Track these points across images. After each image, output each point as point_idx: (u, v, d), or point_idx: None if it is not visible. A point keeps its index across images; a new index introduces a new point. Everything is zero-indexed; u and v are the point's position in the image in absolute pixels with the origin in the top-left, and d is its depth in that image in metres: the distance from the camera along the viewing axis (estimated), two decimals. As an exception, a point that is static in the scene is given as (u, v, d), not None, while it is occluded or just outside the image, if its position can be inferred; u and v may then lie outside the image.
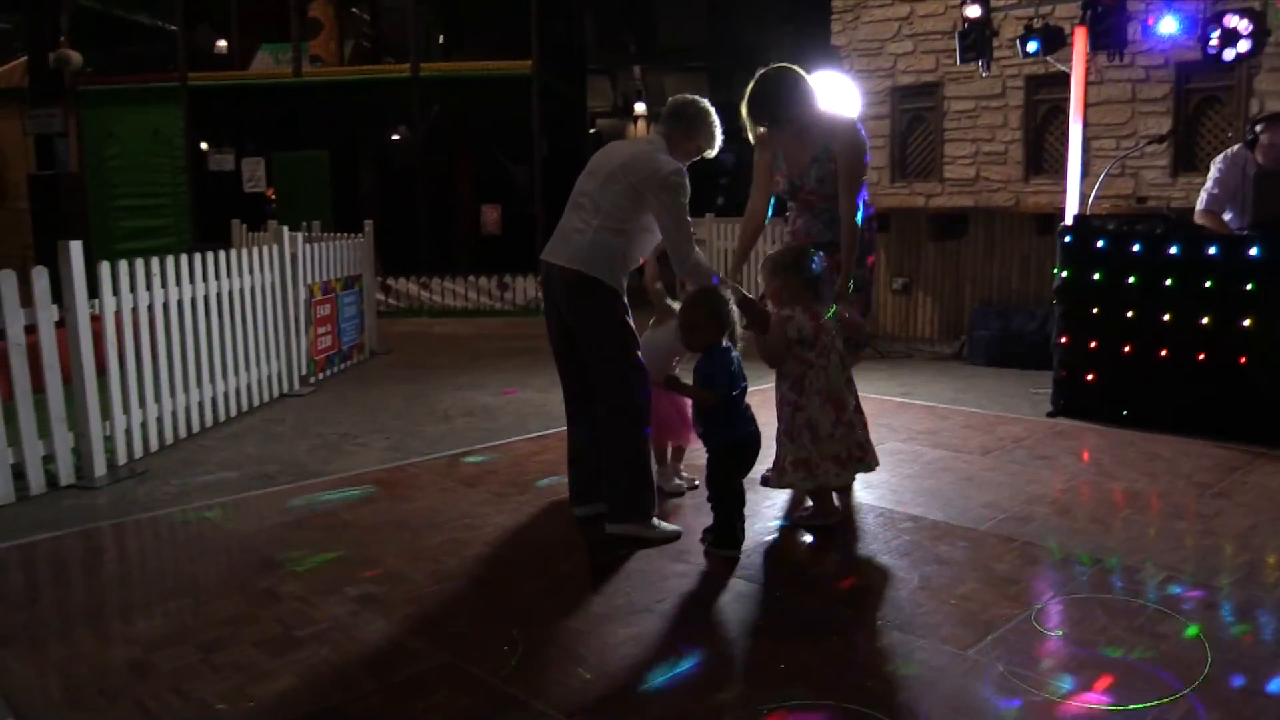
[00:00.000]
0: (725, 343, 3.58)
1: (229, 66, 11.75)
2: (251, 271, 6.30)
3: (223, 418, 5.93)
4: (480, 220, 11.12)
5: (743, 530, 3.60)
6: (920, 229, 7.79)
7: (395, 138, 11.41)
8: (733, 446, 3.56)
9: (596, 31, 16.56)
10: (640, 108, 17.21)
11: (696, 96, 3.91)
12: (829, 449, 3.75)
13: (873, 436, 4.30)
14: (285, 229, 6.84)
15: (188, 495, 4.50)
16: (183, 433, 5.54)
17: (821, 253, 4.08)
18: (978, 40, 5.99)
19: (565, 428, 4.02)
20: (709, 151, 3.91)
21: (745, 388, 3.59)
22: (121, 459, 4.99)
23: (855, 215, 4.28)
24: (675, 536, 3.75)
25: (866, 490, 4.30)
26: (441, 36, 12.93)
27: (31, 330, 4.58)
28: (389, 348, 8.77)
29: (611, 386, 3.71)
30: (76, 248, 4.71)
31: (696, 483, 4.25)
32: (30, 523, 4.12)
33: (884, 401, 6.13)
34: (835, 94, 7.20)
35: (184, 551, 3.91)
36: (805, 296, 3.80)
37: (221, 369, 5.94)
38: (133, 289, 5.12)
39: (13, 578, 3.57)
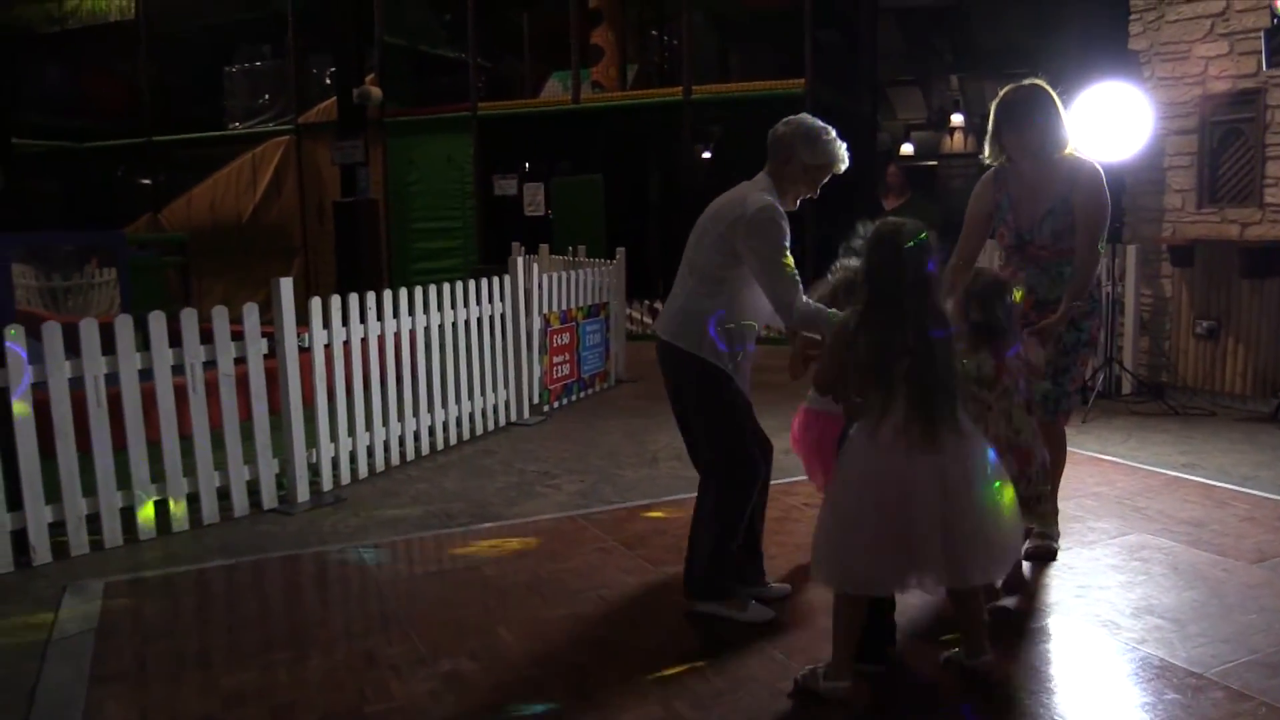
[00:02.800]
0: None
1: (520, 94, 12.23)
2: (480, 302, 6.36)
3: (440, 446, 6.03)
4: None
5: (888, 640, 3.03)
6: (1233, 263, 6.54)
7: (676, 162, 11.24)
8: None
9: (904, 41, 15.76)
10: (958, 118, 16.24)
11: (794, 116, 3.41)
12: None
13: (1117, 523, 3.98)
14: (519, 259, 6.87)
15: (364, 530, 4.54)
16: (395, 460, 5.67)
17: (1017, 294, 3.54)
18: (1290, 39, 4.88)
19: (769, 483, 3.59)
20: (835, 166, 3.34)
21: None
22: (328, 485, 5.16)
23: (1094, 267, 3.77)
24: (765, 620, 3.33)
25: (1075, 597, 3.53)
26: (728, 57, 12.78)
27: (270, 356, 4.89)
28: (638, 376, 8.66)
29: (708, 461, 3.37)
30: (287, 284, 4.90)
31: None
32: (211, 547, 4.31)
33: (1152, 475, 5.14)
34: (1125, 107, 6.24)
35: (322, 595, 3.90)
36: (995, 340, 3.34)
37: (442, 398, 6.03)
38: (345, 322, 5.28)
39: (164, 606, 3.71)
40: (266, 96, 13.01)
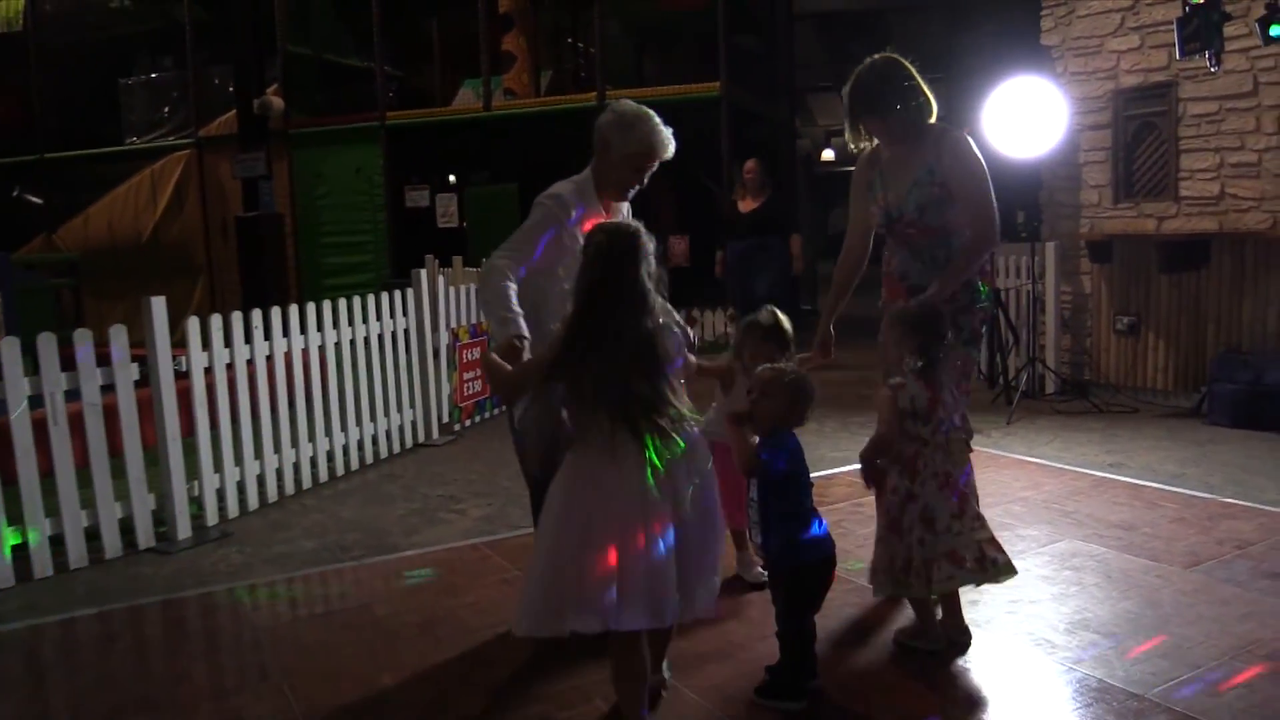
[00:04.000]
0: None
1: (433, 104, 11.87)
2: (381, 318, 6.02)
3: (341, 471, 5.67)
4: (667, 252, 10.59)
5: (809, 676, 2.78)
6: (1150, 258, 6.48)
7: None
8: (799, 570, 2.73)
9: (823, 48, 15.74)
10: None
11: (615, 103, 3.32)
12: (945, 545, 2.97)
13: (1046, 529, 3.83)
14: (423, 271, 6.54)
15: (249, 569, 4.17)
16: (290, 489, 5.29)
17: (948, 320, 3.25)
18: (1202, 27, 4.78)
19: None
20: (655, 152, 3.18)
21: (809, 485, 2.77)
22: (212, 519, 4.77)
23: (979, 247, 3.39)
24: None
25: (1007, 613, 3.33)
26: (643, 62, 12.57)
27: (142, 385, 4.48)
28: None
29: None
30: (159, 304, 4.51)
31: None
32: (77, 594, 3.91)
33: (1080, 476, 4.99)
34: (1040, 102, 6.14)
35: (191, 646, 3.52)
36: (921, 368, 3.04)
37: (341, 421, 5.68)
38: (227, 343, 4.90)
39: (7, 665, 3.32)
40: (166, 110, 12.47)
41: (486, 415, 7.19)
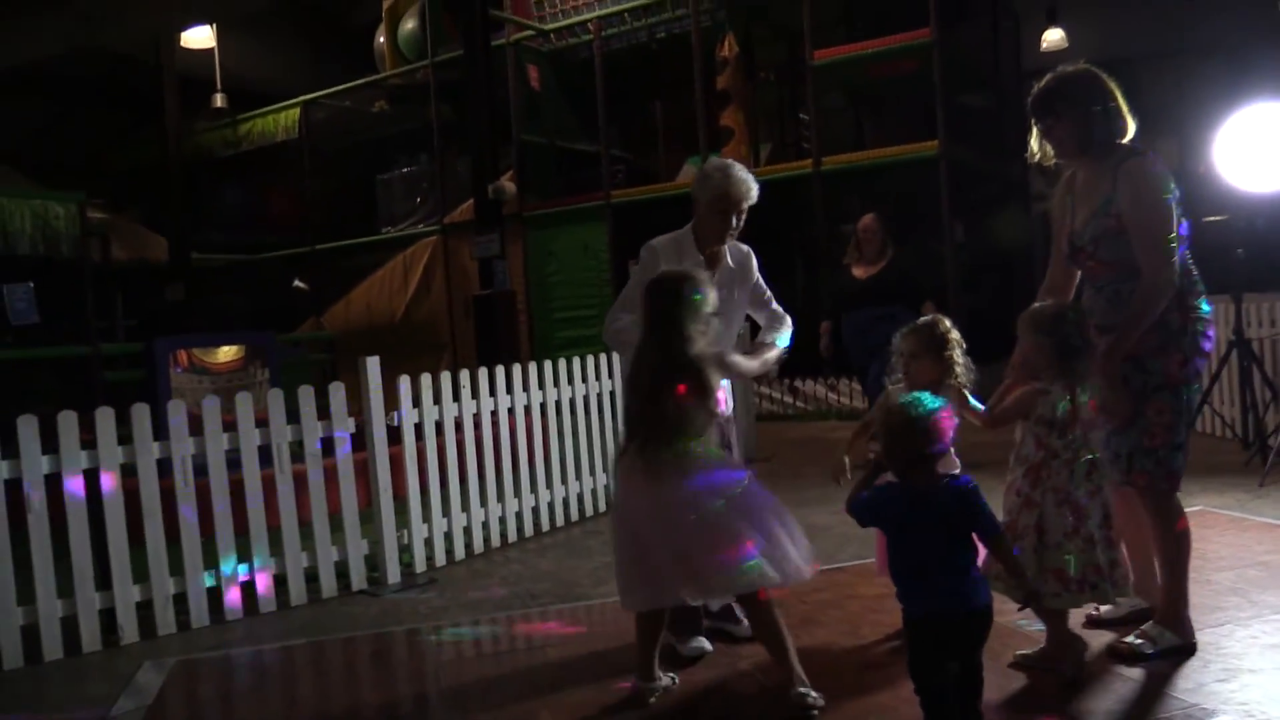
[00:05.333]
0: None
1: (658, 182, 12.29)
2: (587, 380, 6.24)
3: (546, 526, 5.87)
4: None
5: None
6: None
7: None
8: (923, 621, 2.56)
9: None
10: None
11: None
12: (1054, 559, 2.96)
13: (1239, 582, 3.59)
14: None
15: (445, 611, 4.39)
16: (495, 541, 5.53)
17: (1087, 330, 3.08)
18: None
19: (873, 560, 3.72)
20: (732, 197, 3.48)
21: (955, 541, 2.58)
22: (421, 566, 5.06)
23: (1159, 289, 3.10)
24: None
25: (1218, 680, 2.96)
26: (863, 127, 12.52)
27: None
28: (769, 454, 8.30)
29: None
30: (374, 364, 4.91)
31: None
32: (292, 628, 4.25)
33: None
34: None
35: (377, 676, 3.73)
36: (1060, 368, 3.01)
37: (546, 479, 5.90)
38: (436, 401, 5.23)
39: (221, 685, 3.65)
40: (417, 200, 13.60)
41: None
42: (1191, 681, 2.98)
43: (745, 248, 3.72)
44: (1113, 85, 3.26)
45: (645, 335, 3.02)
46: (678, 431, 2.90)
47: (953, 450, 3.36)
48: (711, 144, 11.37)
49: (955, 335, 3.42)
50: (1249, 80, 7.49)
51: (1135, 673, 3.07)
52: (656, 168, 12.82)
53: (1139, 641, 3.20)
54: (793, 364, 10.44)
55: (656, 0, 11.62)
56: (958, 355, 3.38)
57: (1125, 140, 3.27)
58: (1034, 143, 3.39)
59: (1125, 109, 3.26)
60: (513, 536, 5.64)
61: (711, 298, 3.03)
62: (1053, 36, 14.24)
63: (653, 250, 3.59)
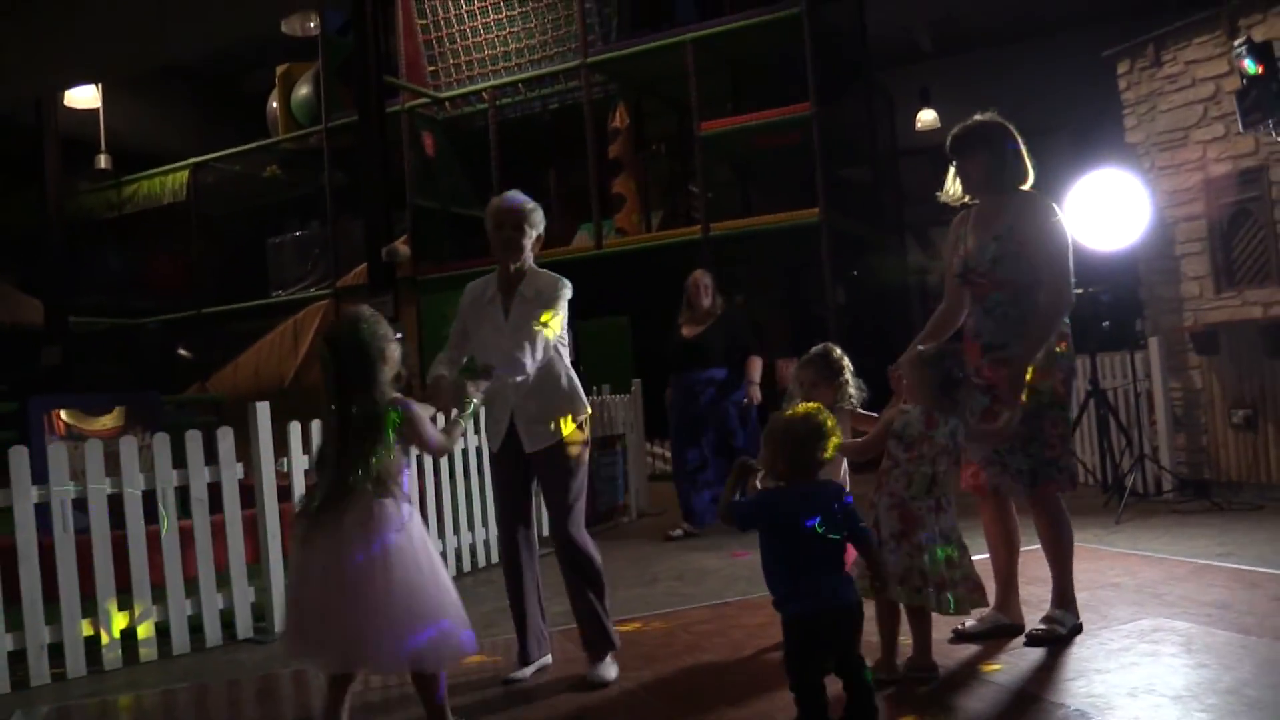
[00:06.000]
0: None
1: (551, 246, 12.49)
2: (477, 433, 6.30)
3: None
4: (776, 376, 10.66)
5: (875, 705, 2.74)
6: (1260, 346, 6.23)
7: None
8: (802, 619, 2.73)
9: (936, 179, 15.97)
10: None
11: None
12: (891, 561, 3.19)
13: (1131, 610, 3.87)
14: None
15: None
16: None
17: (966, 366, 3.38)
18: (1262, 97, 4.75)
19: (759, 595, 3.55)
20: (500, 210, 3.72)
21: (830, 540, 2.77)
22: (309, 616, 5.00)
23: (1055, 311, 3.52)
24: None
25: (1068, 679, 3.19)
26: (749, 195, 13.00)
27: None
28: (663, 509, 8.42)
29: None
30: (264, 409, 4.91)
31: None
32: (170, 675, 4.16)
33: (1180, 564, 4.74)
34: (1121, 194, 6.13)
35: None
36: (933, 398, 3.30)
37: (439, 529, 5.90)
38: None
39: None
40: (309, 265, 13.50)
41: (610, 524, 7.32)
42: (1047, 682, 3.19)
43: (558, 279, 3.71)
44: (1018, 136, 3.68)
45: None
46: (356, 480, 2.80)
47: (845, 465, 3.63)
48: (604, 210, 11.66)
49: (846, 362, 3.78)
50: (1089, 153, 8.10)
51: (998, 677, 3.27)
52: (550, 233, 13.03)
53: (1049, 626, 3.57)
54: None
55: (550, 72, 11.95)
56: (849, 379, 3.71)
57: (1025, 186, 3.68)
58: (949, 181, 3.79)
59: (1027, 158, 3.68)
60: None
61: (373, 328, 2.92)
62: (926, 117, 15.14)
63: (465, 290, 3.80)
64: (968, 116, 3.76)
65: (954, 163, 3.74)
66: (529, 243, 3.69)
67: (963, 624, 3.67)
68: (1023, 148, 3.68)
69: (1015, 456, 3.57)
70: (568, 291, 3.67)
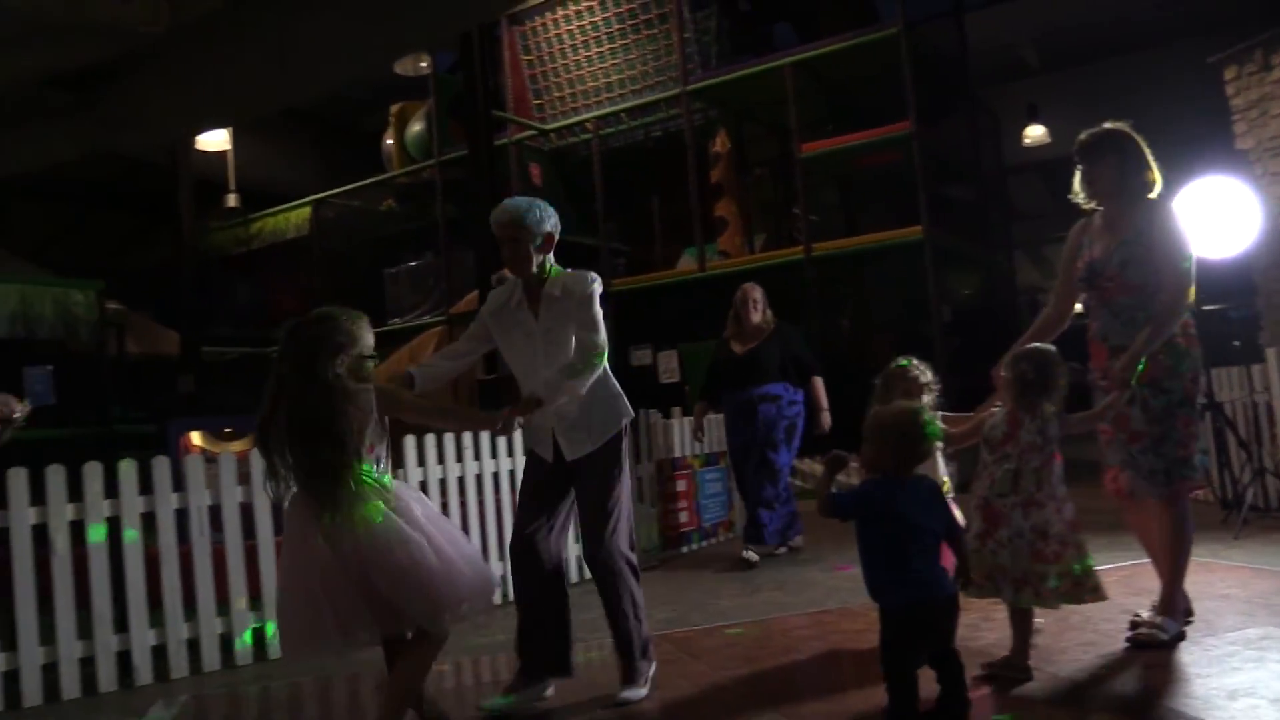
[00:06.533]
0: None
1: (655, 270, 12.72)
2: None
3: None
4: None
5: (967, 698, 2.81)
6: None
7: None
8: (901, 610, 2.82)
9: (1055, 197, 15.68)
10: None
11: None
12: (982, 559, 3.25)
13: (1239, 619, 3.83)
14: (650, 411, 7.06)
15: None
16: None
17: (1072, 365, 3.40)
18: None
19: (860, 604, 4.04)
20: (497, 227, 3.60)
21: (926, 533, 2.86)
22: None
23: (1174, 309, 3.58)
24: None
25: (1170, 682, 3.17)
26: (853, 215, 13.01)
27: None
28: (766, 526, 8.47)
29: None
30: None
31: None
32: (300, 669, 4.43)
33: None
34: (1231, 204, 6.01)
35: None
36: (1013, 398, 3.38)
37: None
38: (421, 463, 5.49)
39: None
40: (423, 294, 14.02)
41: (693, 546, 7.42)
42: (1145, 683, 3.19)
43: (586, 276, 3.62)
44: (1144, 145, 3.77)
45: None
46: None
47: (943, 461, 3.72)
48: (707, 234, 11.83)
49: (926, 378, 3.87)
50: (1198, 160, 7.93)
51: (1096, 676, 3.28)
52: (654, 258, 13.27)
53: (1151, 631, 3.60)
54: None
55: (651, 101, 12.22)
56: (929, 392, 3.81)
57: (1152, 195, 3.76)
58: (1076, 184, 3.86)
59: (1154, 166, 3.76)
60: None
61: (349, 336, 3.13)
62: (1035, 132, 14.91)
63: (489, 297, 3.81)
64: (1077, 130, 3.87)
65: (1081, 168, 3.83)
66: (534, 247, 3.55)
67: (1137, 614, 3.72)
68: (1149, 155, 3.76)
69: (1148, 457, 3.62)
70: (597, 286, 3.59)
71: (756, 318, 6.48)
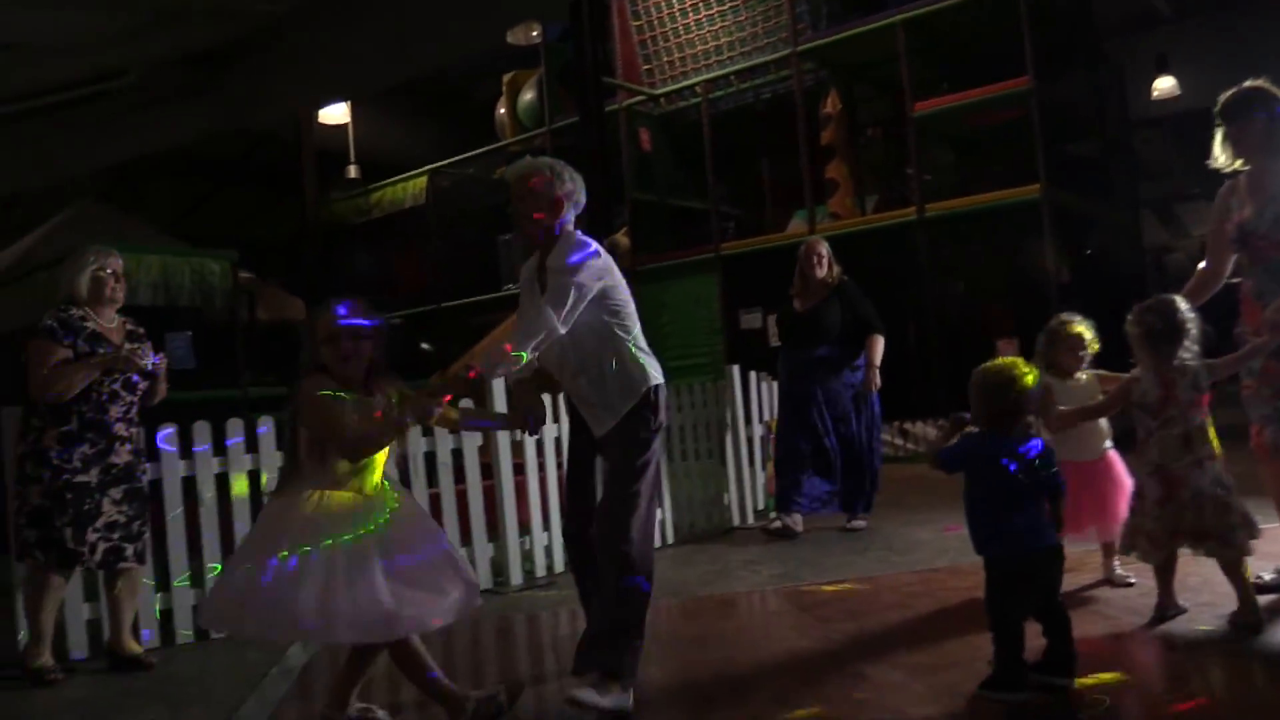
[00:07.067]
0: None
1: (764, 233, 12.70)
2: (681, 409, 6.59)
3: (657, 544, 6.19)
4: (996, 356, 10.41)
5: (1020, 669, 2.82)
6: None
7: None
8: (1004, 559, 2.85)
9: (1184, 154, 14.99)
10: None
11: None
12: (1143, 523, 3.35)
13: None
14: (735, 368, 7.09)
15: (553, 602, 4.76)
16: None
17: (1206, 329, 3.40)
18: None
19: (970, 563, 3.60)
20: (509, 187, 3.40)
21: (1043, 481, 2.88)
22: (540, 572, 5.46)
23: None
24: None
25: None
26: (966, 174, 12.70)
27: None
28: (882, 490, 8.44)
29: None
30: (498, 385, 5.39)
31: None
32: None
33: None
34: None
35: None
36: (1157, 353, 3.38)
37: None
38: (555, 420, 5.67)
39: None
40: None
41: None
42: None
43: (569, 244, 3.27)
44: None
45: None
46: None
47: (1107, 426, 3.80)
48: (817, 197, 11.74)
49: (1089, 335, 4.00)
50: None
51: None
52: (764, 221, 13.24)
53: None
54: (903, 406, 10.65)
55: (761, 63, 12.14)
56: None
57: None
58: (1217, 147, 3.84)
59: None
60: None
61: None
62: (1164, 85, 14.24)
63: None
64: (1209, 82, 3.79)
65: (1224, 129, 3.78)
66: (536, 208, 3.26)
67: (1259, 577, 3.67)
68: None
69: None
70: (578, 256, 3.18)
71: (821, 273, 6.19)
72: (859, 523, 6.31)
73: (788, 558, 5.52)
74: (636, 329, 3.31)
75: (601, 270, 3.20)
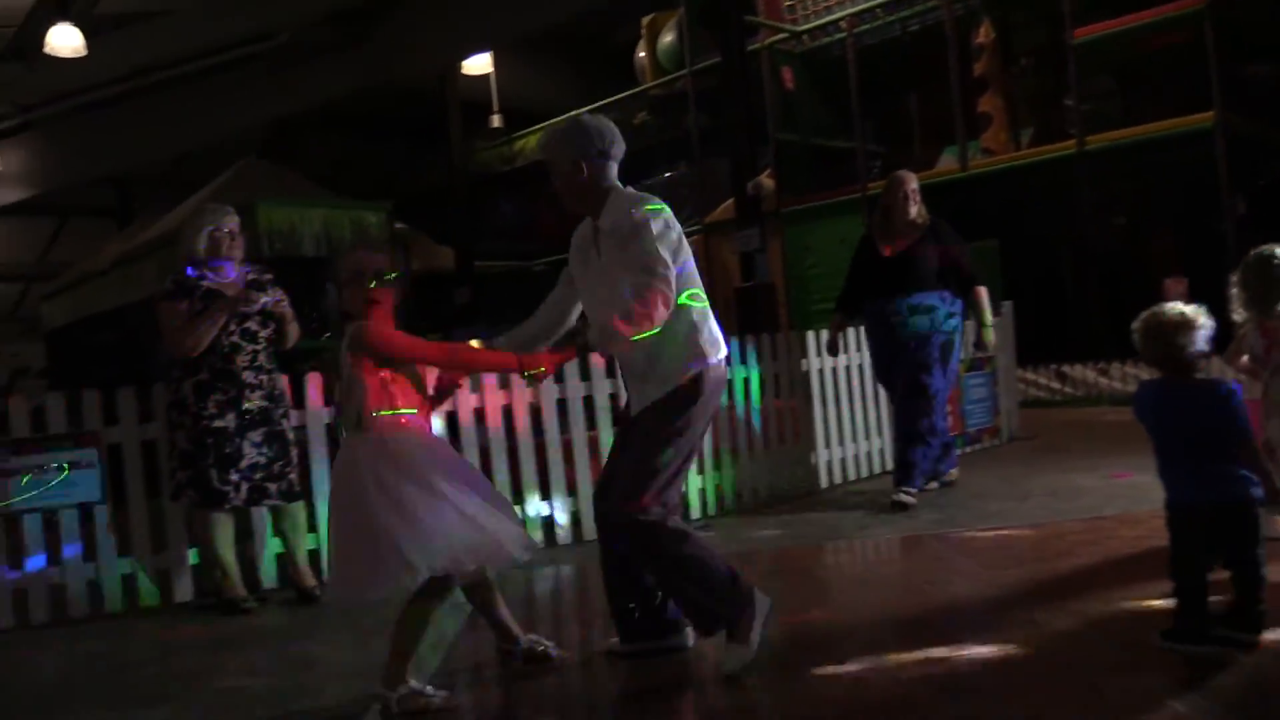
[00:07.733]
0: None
1: (914, 170, 12.34)
2: (836, 354, 6.54)
3: (808, 489, 6.22)
4: (1163, 296, 9.89)
5: (1203, 620, 2.73)
6: None
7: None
8: (1176, 507, 2.77)
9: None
10: None
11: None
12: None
13: None
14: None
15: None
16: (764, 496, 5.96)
17: None
18: None
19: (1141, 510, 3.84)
20: (544, 159, 3.21)
21: (1205, 433, 2.76)
22: (696, 514, 5.57)
23: None
24: None
25: None
26: (1130, 103, 12.02)
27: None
28: (1033, 434, 8.22)
29: None
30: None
31: None
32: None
33: None
34: None
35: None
36: (1257, 304, 3.41)
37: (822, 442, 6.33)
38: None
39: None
40: (677, 204, 14.27)
41: (957, 451, 7.34)
42: None
43: (627, 205, 3.05)
44: None
45: None
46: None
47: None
48: (969, 132, 11.33)
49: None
50: None
51: None
52: (913, 158, 12.86)
53: None
54: (1061, 348, 10.29)
55: (909, -8, 11.73)
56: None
57: None
58: None
59: None
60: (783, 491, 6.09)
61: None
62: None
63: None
64: None
65: None
66: (571, 173, 3.06)
67: None
68: None
69: None
70: (643, 214, 2.98)
71: (913, 211, 5.45)
72: (934, 485, 5.78)
73: (945, 503, 5.45)
74: (701, 292, 3.08)
75: (669, 219, 3.02)
